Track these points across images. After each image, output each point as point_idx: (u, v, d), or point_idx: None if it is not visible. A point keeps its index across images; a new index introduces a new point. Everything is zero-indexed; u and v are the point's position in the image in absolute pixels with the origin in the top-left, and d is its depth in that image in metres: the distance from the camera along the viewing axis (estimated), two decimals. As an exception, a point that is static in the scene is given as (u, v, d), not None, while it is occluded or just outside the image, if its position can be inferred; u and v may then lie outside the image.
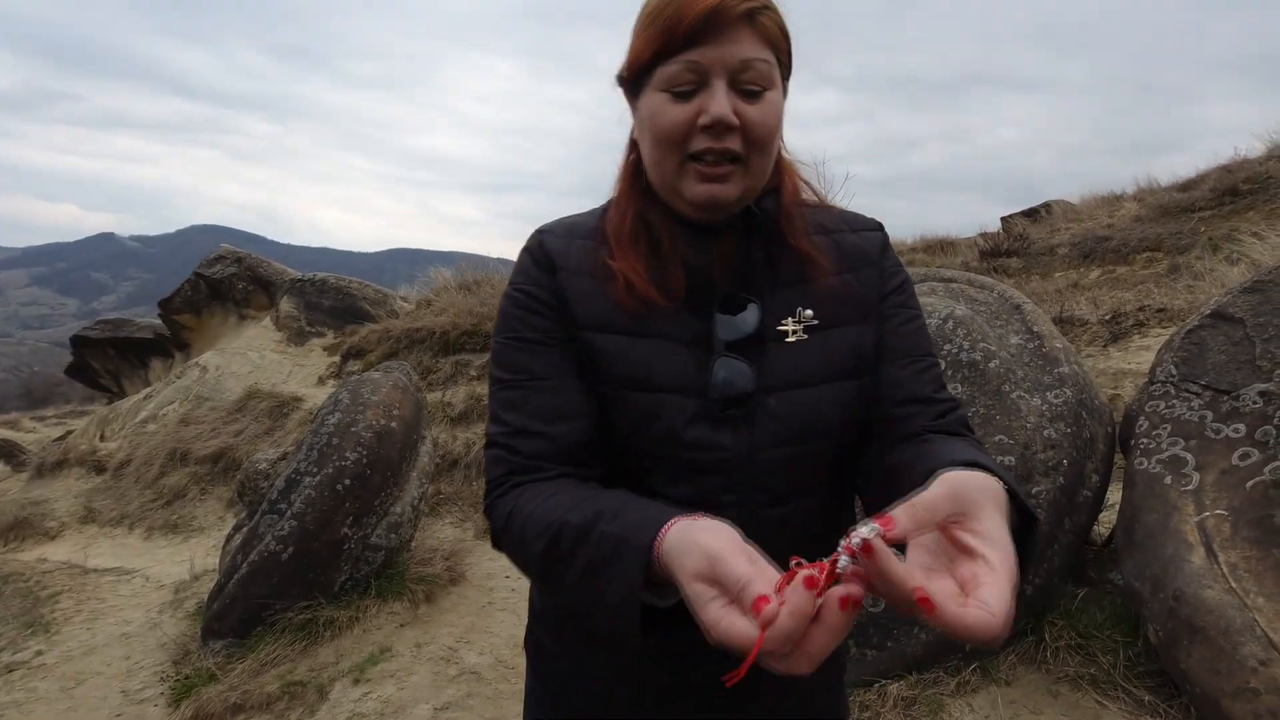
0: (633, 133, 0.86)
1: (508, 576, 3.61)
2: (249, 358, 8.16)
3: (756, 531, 0.72)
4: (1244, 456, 2.01)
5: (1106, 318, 4.99)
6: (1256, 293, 2.28)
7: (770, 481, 0.82)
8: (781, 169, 0.86)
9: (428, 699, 2.84)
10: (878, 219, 0.93)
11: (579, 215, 0.92)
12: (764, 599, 0.49)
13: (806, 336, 0.83)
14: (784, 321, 0.83)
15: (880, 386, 0.85)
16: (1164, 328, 4.78)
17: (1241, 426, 1.88)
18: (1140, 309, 4.98)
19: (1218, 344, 2.29)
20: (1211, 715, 2.02)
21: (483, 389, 5.72)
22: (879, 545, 0.47)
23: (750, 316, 0.81)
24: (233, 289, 9.87)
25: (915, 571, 0.49)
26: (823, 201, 0.92)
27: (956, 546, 0.53)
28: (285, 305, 8.80)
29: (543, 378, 0.82)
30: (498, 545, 0.81)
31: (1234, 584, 2.01)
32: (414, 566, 3.29)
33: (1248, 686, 1.85)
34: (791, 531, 0.83)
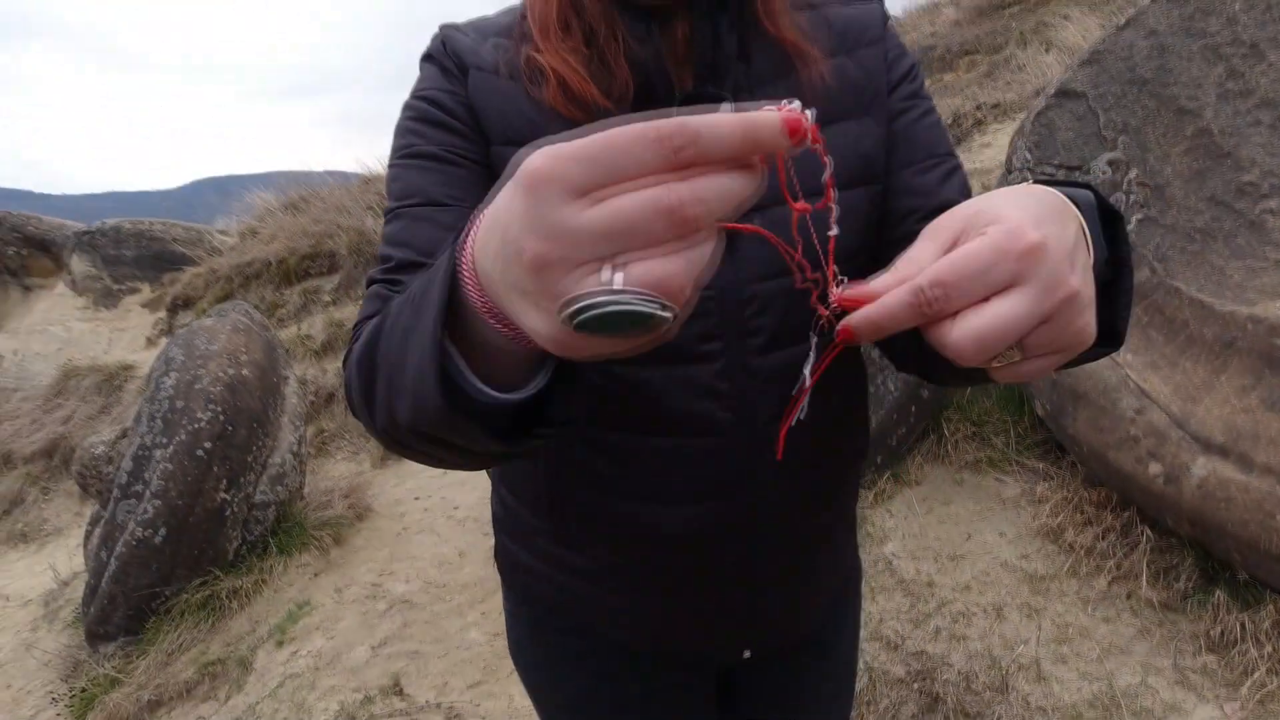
0: None
1: (416, 498, 3.45)
2: (52, 333, 7.12)
3: (749, 385, 0.67)
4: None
5: (948, 123, 5.11)
6: (1093, 64, 2.30)
7: (762, 321, 0.66)
8: None
9: (362, 640, 2.72)
10: None
11: (487, 16, 0.74)
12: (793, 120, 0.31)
13: None
14: None
15: (896, 197, 0.69)
16: (1000, 122, 4.96)
17: (1107, 194, 1.94)
18: (976, 108, 5.12)
19: (1065, 122, 2.33)
20: (1099, 468, 2.20)
21: (341, 314, 5.22)
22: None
23: None
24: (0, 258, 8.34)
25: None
26: None
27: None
28: (78, 264, 7.54)
29: (440, 203, 0.64)
30: (353, 410, 0.57)
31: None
32: (313, 513, 3.06)
33: (1129, 435, 2.01)
34: (791, 382, 0.68)
